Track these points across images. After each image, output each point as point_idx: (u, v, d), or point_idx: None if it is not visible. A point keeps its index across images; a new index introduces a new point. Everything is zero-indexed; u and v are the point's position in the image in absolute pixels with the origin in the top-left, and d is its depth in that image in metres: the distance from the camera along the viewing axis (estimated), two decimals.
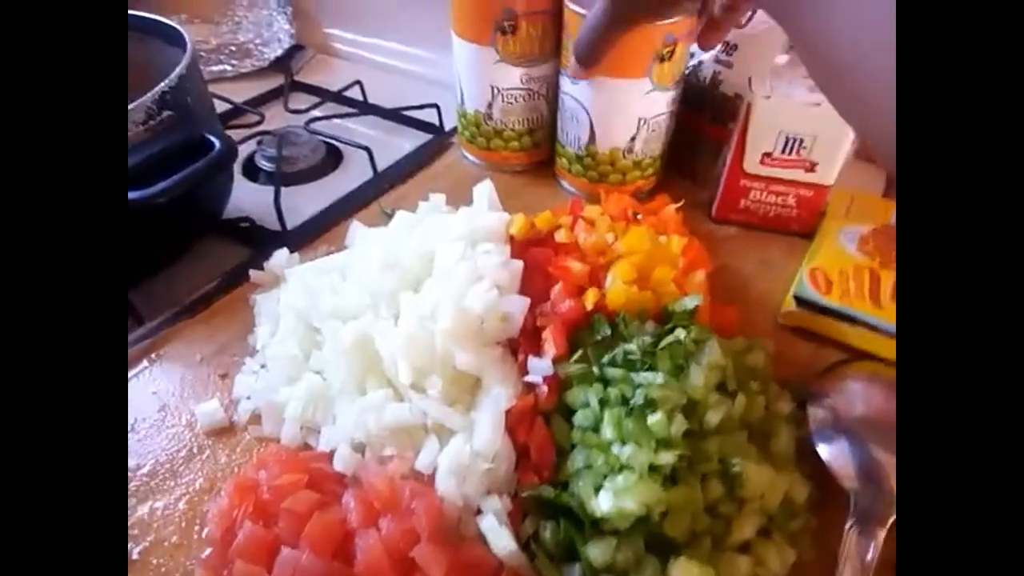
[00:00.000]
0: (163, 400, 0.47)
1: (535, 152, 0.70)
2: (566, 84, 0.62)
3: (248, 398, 0.46)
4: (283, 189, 0.66)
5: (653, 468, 0.36)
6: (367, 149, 0.75)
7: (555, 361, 0.42)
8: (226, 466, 0.43)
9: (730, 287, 0.56)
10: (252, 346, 0.51)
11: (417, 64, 0.99)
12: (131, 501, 0.41)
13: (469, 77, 0.67)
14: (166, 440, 0.45)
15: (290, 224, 0.63)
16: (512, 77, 0.64)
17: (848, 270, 0.54)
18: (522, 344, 0.44)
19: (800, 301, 0.52)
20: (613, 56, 0.51)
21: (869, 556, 0.36)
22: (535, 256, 0.48)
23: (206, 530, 0.39)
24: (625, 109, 0.59)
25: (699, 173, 0.68)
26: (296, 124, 0.84)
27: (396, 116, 0.86)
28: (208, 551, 0.38)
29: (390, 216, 0.64)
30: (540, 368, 0.42)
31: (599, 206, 0.56)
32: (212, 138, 0.59)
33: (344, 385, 0.43)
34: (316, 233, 0.63)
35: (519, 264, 0.47)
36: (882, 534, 0.37)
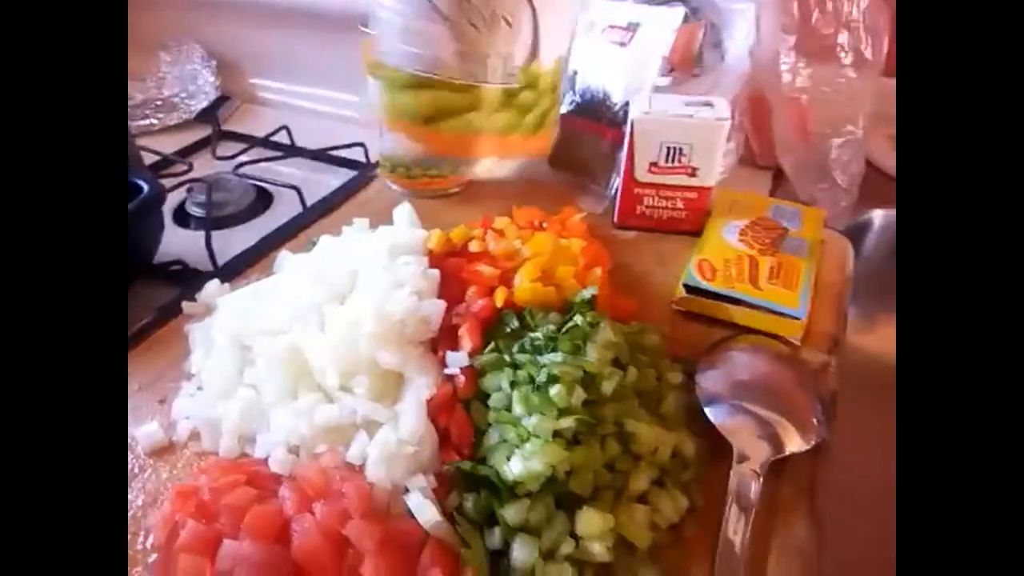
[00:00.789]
0: None
1: (452, 177, 0.76)
2: None
3: (187, 418, 0.49)
4: (215, 232, 0.70)
5: (557, 434, 0.41)
6: (296, 188, 0.79)
7: (471, 354, 0.47)
8: (167, 481, 0.45)
9: (629, 282, 0.62)
10: (187, 372, 0.53)
11: (342, 107, 1.04)
12: None
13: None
14: None
15: (227, 255, 0.66)
16: None
17: (731, 258, 0.61)
18: (441, 342, 0.49)
19: (689, 288, 0.59)
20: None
21: (752, 495, 0.42)
22: (450, 265, 0.54)
23: (150, 539, 0.41)
24: None
25: (602, 177, 0.75)
26: (225, 171, 0.87)
27: (323, 156, 0.91)
28: (153, 557, 0.40)
29: (313, 244, 0.69)
30: (457, 360, 0.46)
31: (508, 218, 0.61)
32: (139, 182, 0.62)
33: (277, 394, 0.46)
34: (247, 265, 0.66)
35: (436, 272, 0.52)
36: (760, 478, 0.43)
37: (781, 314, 0.55)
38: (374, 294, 0.49)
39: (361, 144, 0.91)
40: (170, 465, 0.47)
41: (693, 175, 0.66)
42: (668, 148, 0.64)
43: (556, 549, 0.39)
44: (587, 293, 0.51)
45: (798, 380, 0.51)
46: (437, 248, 0.57)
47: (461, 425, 0.44)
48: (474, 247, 0.57)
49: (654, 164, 0.65)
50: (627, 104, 0.70)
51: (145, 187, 0.62)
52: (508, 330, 0.49)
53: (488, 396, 0.46)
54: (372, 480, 0.41)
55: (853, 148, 0.78)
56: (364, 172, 0.85)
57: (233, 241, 0.72)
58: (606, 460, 0.41)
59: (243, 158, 0.91)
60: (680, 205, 0.68)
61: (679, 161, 0.65)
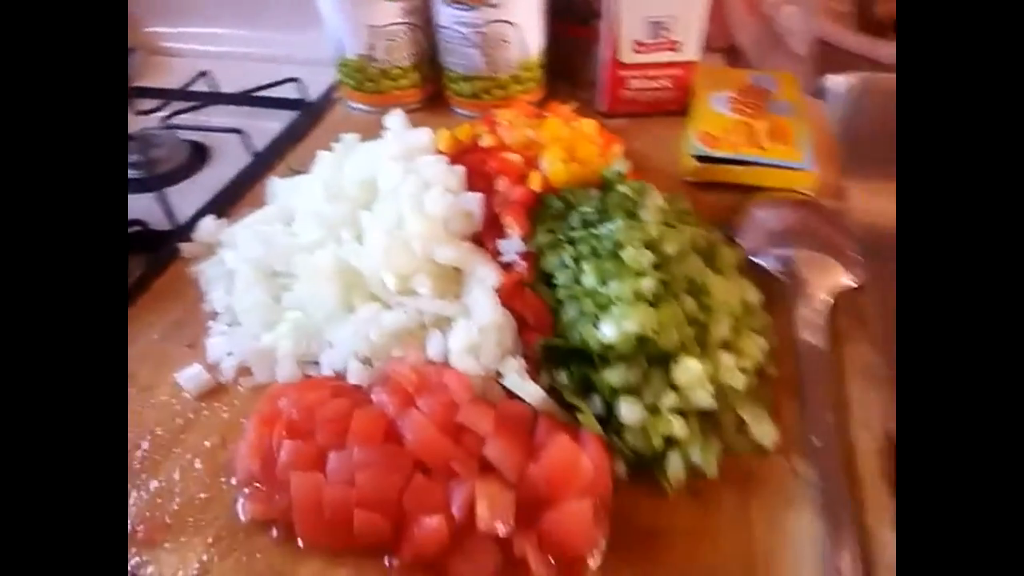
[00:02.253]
0: (136, 382, 0.45)
1: (425, 86, 0.72)
2: (442, 12, 0.64)
3: (229, 354, 0.45)
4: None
5: (636, 296, 0.41)
6: (238, 131, 0.72)
7: (524, 239, 0.46)
8: (231, 419, 0.42)
9: (634, 163, 0.62)
10: (209, 312, 0.49)
11: (258, 46, 0.94)
12: (141, 476, 0.39)
13: (345, 22, 0.67)
14: (156, 414, 0.43)
15: (184, 219, 0.60)
16: (389, 13, 0.65)
17: (728, 126, 0.62)
18: (486, 235, 0.47)
19: (699, 158, 0.59)
20: None
21: (819, 322, 0.44)
22: (472, 160, 0.51)
23: (235, 476, 0.39)
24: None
25: (577, 75, 0.73)
26: (150, 127, 0.78)
27: (253, 99, 0.82)
28: (246, 491, 0.37)
29: (296, 172, 0.64)
30: (512, 247, 0.45)
31: (506, 111, 0.59)
32: None
33: (332, 311, 0.43)
34: (232, 202, 0.61)
35: (461, 168, 0.49)
36: (821, 299, 0.45)
37: (791, 168, 0.57)
38: (407, 196, 0.46)
39: (294, 79, 0.84)
40: (226, 405, 0.43)
41: (676, 50, 0.65)
42: (652, 23, 0.63)
43: (658, 403, 0.39)
44: (620, 166, 0.50)
45: (827, 222, 0.53)
46: (447, 148, 0.54)
47: (535, 306, 0.43)
48: (486, 141, 0.54)
49: (639, 43, 0.64)
50: None
51: None
52: (553, 212, 0.48)
53: (549, 277, 0.45)
54: (462, 370, 0.40)
55: (804, 15, 0.80)
56: (326, 98, 0.78)
57: (182, 197, 0.64)
58: (686, 316, 0.42)
59: (165, 112, 0.81)
60: (667, 83, 0.68)
61: (662, 36, 0.64)
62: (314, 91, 0.81)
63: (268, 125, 0.75)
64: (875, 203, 0.84)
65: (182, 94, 0.85)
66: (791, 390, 0.42)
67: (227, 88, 0.85)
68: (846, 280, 0.48)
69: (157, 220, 0.61)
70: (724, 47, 0.85)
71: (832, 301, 0.47)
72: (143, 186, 0.67)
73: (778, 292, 0.48)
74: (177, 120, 0.78)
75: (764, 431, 0.39)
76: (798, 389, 0.42)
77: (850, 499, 0.36)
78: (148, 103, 0.83)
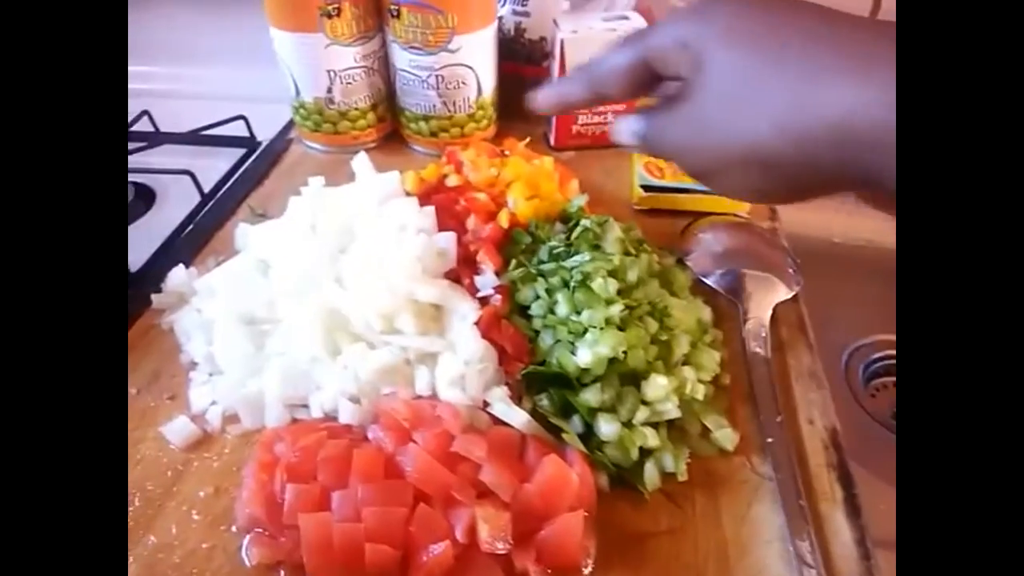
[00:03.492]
0: None
1: (382, 126, 0.75)
2: (400, 56, 0.67)
3: (214, 403, 0.46)
4: None
5: (607, 322, 0.45)
6: (189, 172, 0.70)
7: (497, 273, 0.49)
8: (223, 467, 0.43)
9: (588, 193, 0.66)
10: (188, 363, 0.50)
11: (202, 84, 0.94)
12: (138, 532, 0.40)
13: (301, 67, 0.69)
14: (143, 471, 0.43)
15: (133, 264, 0.59)
16: (347, 58, 0.67)
17: None
18: (461, 271, 0.50)
19: (646, 187, 0.64)
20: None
21: (763, 334, 0.49)
22: (439, 200, 0.54)
23: (236, 523, 0.40)
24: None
25: (529, 112, 0.77)
26: None
27: (199, 138, 0.80)
28: (249, 536, 0.39)
29: (261, 216, 0.65)
30: (487, 282, 0.48)
31: (469, 151, 0.62)
32: None
33: (317, 353, 0.45)
34: (195, 249, 0.61)
35: (431, 209, 0.52)
36: (766, 319, 0.50)
37: None
38: (383, 239, 0.49)
39: (242, 117, 0.84)
40: (216, 454, 0.44)
41: None
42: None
43: (632, 418, 0.43)
44: (580, 201, 0.55)
45: (764, 242, 0.59)
46: (414, 189, 0.57)
47: (514, 337, 0.46)
48: (452, 181, 0.57)
49: None
50: (541, 40, 0.73)
51: None
52: (523, 246, 0.51)
53: (524, 308, 0.48)
54: (450, 402, 0.42)
55: None
56: (281, 137, 0.79)
57: (131, 242, 0.56)
58: (650, 336, 0.46)
59: None
60: (611, 119, 0.73)
61: None
62: (260, 128, 0.80)
63: (216, 164, 0.74)
64: (801, 216, 0.92)
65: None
66: (743, 396, 0.47)
67: (168, 127, 0.83)
68: (784, 293, 0.53)
69: None
70: None
71: (772, 312, 0.52)
72: None
73: (724, 308, 0.53)
74: None
75: (725, 435, 0.44)
76: (749, 395, 0.47)
77: (803, 489, 0.41)
78: None
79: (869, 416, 0.79)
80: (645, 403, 0.43)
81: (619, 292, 0.47)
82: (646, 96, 0.36)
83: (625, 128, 0.37)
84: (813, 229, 0.94)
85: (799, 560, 0.37)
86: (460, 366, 0.44)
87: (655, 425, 0.44)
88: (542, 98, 0.40)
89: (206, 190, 0.70)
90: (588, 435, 0.43)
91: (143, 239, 0.63)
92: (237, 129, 0.82)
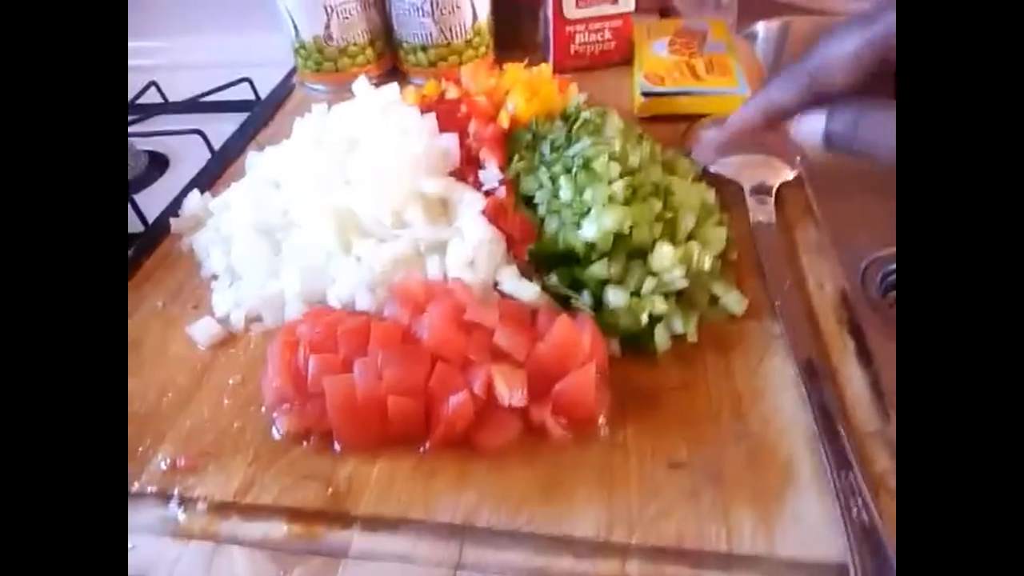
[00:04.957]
0: (146, 344, 0.47)
1: (381, 61, 0.75)
2: None
3: (237, 306, 0.47)
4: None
5: (610, 199, 0.45)
6: (199, 132, 0.72)
7: (499, 169, 0.50)
8: (249, 360, 0.45)
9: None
10: (208, 276, 0.51)
11: (205, 52, 0.95)
12: (171, 419, 0.42)
13: (298, 5, 0.70)
14: (173, 367, 0.45)
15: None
16: None
17: (669, 66, 0.68)
18: (465, 172, 0.51)
19: (646, 94, 0.65)
20: None
21: (769, 207, 0.50)
22: (444, 110, 0.55)
23: (264, 403, 0.41)
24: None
25: (526, 39, 0.78)
26: None
27: (206, 105, 0.81)
28: (277, 411, 0.40)
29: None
30: (491, 176, 0.49)
31: (467, 67, 0.63)
32: None
33: (332, 249, 0.46)
34: (211, 181, 0.63)
35: (432, 115, 0.53)
36: (771, 195, 0.51)
37: (729, 94, 0.63)
38: (391, 142, 0.50)
39: (246, 79, 0.85)
40: (242, 350, 0.46)
41: (615, 2, 0.71)
42: None
43: (640, 288, 0.44)
44: (579, 98, 0.55)
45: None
46: (415, 103, 0.58)
47: (521, 223, 0.47)
48: (452, 93, 0.58)
49: None
50: None
51: None
52: (524, 143, 0.52)
53: (528, 200, 0.49)
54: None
55: None
56: (280, 88, 0.81)
57: (148, 205, 0.63)
58: (655, 214, 0.47)
59: None
60: (608, 36, 0.73)
61: None
62: (265, 90, 0.82)
63: (223, 127, 0.75)
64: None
65: (134, 108, 0.84)
66: (752, 270, 0.48)
67: (176, 97, 0.84)
68: (788, 173, 0.53)
69: (129, 225, 0.61)
70: (658, 7, 0.91)
71: (776, 191, 0.52)
72: None
73: (731, 195, 0.53)
74: (133, 129, 0.77)
75: (733, 299, 0.44)
76: (757, 269, 0.47)
77: (814, 343, 0.41)
78: None
79: (886, 326, 0.79)
80: (652, 274, 0.44)
81: (621, 175, 0.47)
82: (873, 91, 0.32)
83: (811, 128, 0.35)
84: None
85: (814, 400, 0.38)
86: (469, 250, 0.45)
87: (664, 295, 0.44)
88: (730, 123, 0.39)
89: (216, 148, 0.71)
90: (597, 308, 0.44)
91: (159, 203, 0.64)
92: (243, 92, 0.84)
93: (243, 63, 0.86)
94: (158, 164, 0.78)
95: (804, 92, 0.34)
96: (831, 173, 0.91)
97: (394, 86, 0.57)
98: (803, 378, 0.39)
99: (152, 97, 0.86)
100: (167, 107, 0.84)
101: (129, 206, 0.62)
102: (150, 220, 0.61)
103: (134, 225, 0.61)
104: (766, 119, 0.37)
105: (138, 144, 0.77)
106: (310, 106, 0.56)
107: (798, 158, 0.55)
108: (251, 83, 0.85)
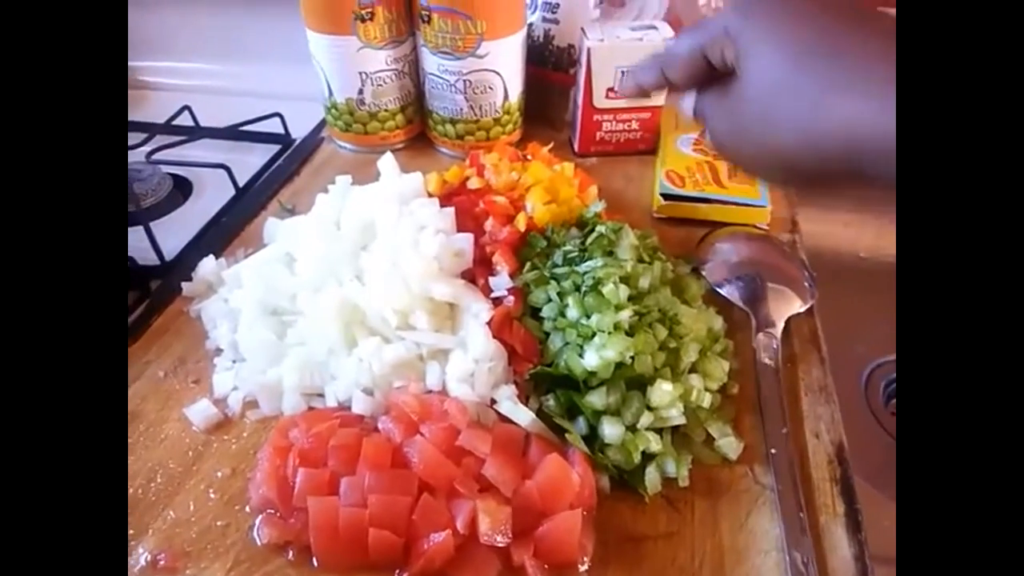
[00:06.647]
0: (144, 418, 0.47)
1: (410, 128, 0.76)
2: (429, 61, 0.69)
3: (235, 389, 0.48)
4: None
5: (615, 327, 0.45)
6: (224, 167, 0.73)
7: (511, 275, 0.50)
8: (240, 450, 0.45)
9: (607, 200, 0.67)
10: (213, 349, 0.52)
11: (239, 81, 0.97)
12: (158, 507, 0.42)
13: (334, 68, 0.71)
14: (165, 450, 0.45)
15: (167, 253, 0.61)
16: (378, 61, 0.69)
17: (692, 166, 0.68)
18: (477, 272, 0.51)
19: (666, 196, 0.65)
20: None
21: (775, 346, 0.49)
22: (460, 202, 0.56)
23: (250, 504, 0.41)
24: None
25: (555, 117, 0.79)
26: (135, 162, 0.79)
27: (237, 133, 0.83)
28: (261, 516, 0.40)
29: (290, 211, 0.67)
30: (501, 284, 0.49)
31: (492, 155, 0.64)
32: None
33: (335, 345, 0.47)
34: (225, 240, 0.64)
35: (451, 210, 0.54)
36: (778, 331, 0.50)
37: (749, 205, 0.63)
38: (403, 238, 0.50)
39: (278, 115, 0.87)
40: (235, 437, 0.46)
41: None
42: (622, 72, 0.69)
43: (636, 422, 0.44)
44: (597, 207, 0.55)
45: (781, 255, 0.59)
46: (436, 191, 0.58)
47: (524, 338, 0.47)
48: (474, 184, 0.59)
49: (611, 89, 0.70)
50: (569, 47, 0.74)
51: None
52: (538, 249, 0.52)
53: (535, 310, 0.49)
54: (458, 398, 0.44)
55: None
56: (314, 135, 0.82)
57: (166, 231, 0.64)
58: (659, 343, 0.47)
59: (148, 147, 0.82)
60: (636, 126, 0.73)
61: None
62: (295, 125, 0.83)
63: (250, 159, 0.77)
64: (828, 230, 0.91)
65: (166, 128, 0.87)
66: (750, 406, 0.47)
67: (207, 122, 0.86)
68: (798, 306, 0.53)
69: (143, 254, 0.61)
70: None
71: (785, 324, 0.52)
72: (128, 220, 0.69)
73: (738, 318, 0.53)
74: (161, 155, 0.79)
75: (728, 444, 0.44)
76: (757, 405, 0.47)
77: (804, 501, 0.41)
78: (132, 137, 0.85)
79: (888, 435, 0.78)
80: (650, 408, 0.44)
81: (630, 298, 0.47)
82: (704, 85, 0.38)
83: (687, 104, 0.41)
84: (840, 243, 0.94)
85: (794, 571, 0.37)
86: (470, 364, 0.45)
87: (659, 431, 0.44)
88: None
89: (240, 184, 0.72)
90: (592, 437, 0.44)
91: (179, 229, 0.66)
92: (273, 126, 0.85)
93: (277, 94, 0.88)
94: (182, 189, 0.79)
95: (660, 79, 0.40)
96: (843, 269, 0.91)
97: (417, 176, 0.57)
98: (786, 548, 0.38)
99: (184, 120, 0.88)
100: (198, 131, 0.85)
101: (146, 236, 0.62)
102: (165, 253, 0.61)
103: (148, 258, 0.61)
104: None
105: (164, 167, 0.78)
106: (337, 163, 0.56)
107: (810, 287, 0.55)
108: (282, 118, 0.86)
